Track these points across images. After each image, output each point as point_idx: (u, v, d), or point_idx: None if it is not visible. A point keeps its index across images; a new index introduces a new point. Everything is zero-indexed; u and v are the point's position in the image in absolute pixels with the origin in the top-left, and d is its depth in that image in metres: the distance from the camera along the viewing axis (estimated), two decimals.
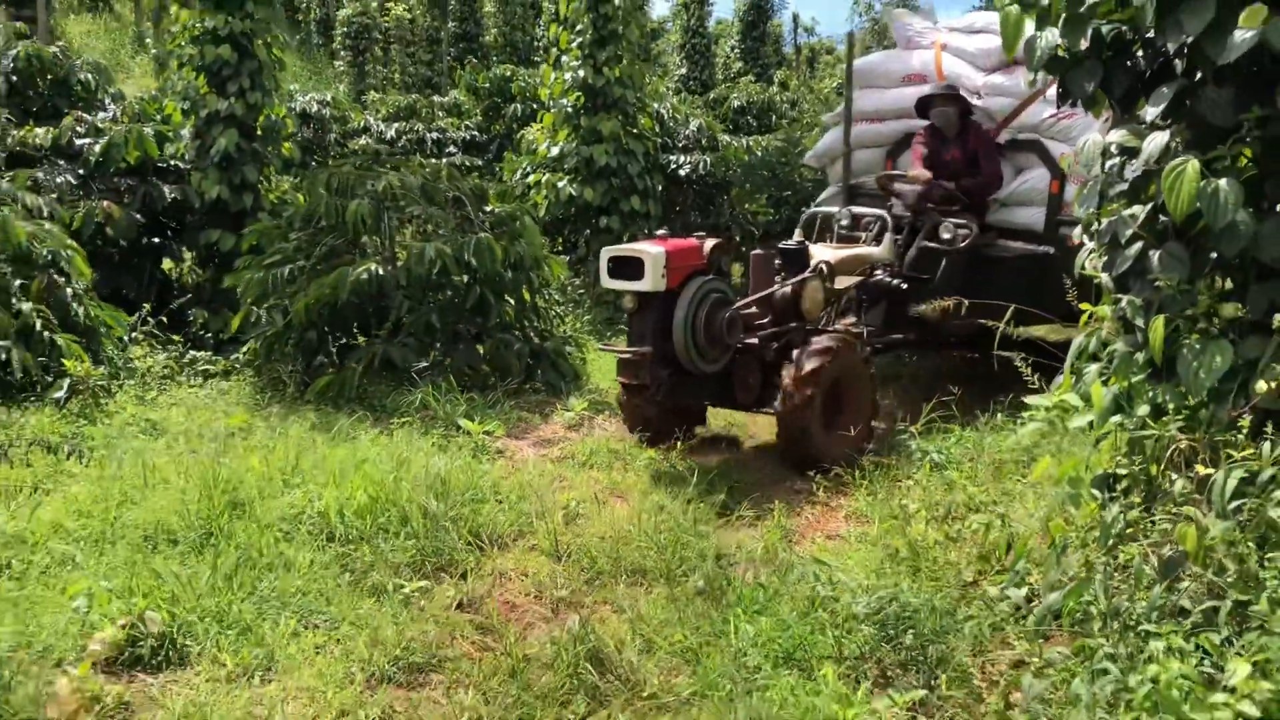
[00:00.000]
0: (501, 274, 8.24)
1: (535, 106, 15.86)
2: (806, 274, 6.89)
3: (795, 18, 37.10)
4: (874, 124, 8.86)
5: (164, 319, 9.37)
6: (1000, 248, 7.95)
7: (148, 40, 28.21)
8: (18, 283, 7.85)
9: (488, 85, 17.62)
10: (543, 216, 11.84)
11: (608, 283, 6.43)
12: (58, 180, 9.73)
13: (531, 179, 12.52)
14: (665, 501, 5.40)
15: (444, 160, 15.85)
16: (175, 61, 10.82)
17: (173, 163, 10.69)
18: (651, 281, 6.13)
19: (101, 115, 10.98)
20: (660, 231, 6.83)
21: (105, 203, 9.63)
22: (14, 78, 10.90)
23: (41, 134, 10.18)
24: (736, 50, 33.86)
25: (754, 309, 6.77)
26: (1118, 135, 3.93)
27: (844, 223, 8.21)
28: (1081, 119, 7.17)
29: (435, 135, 17.44)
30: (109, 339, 8.36)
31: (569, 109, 12.01)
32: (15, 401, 7.09)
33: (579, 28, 11.85)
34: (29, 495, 5.30)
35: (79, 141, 10.25)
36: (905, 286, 7.47)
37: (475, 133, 17.65)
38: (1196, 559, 3.27)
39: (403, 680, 3.68)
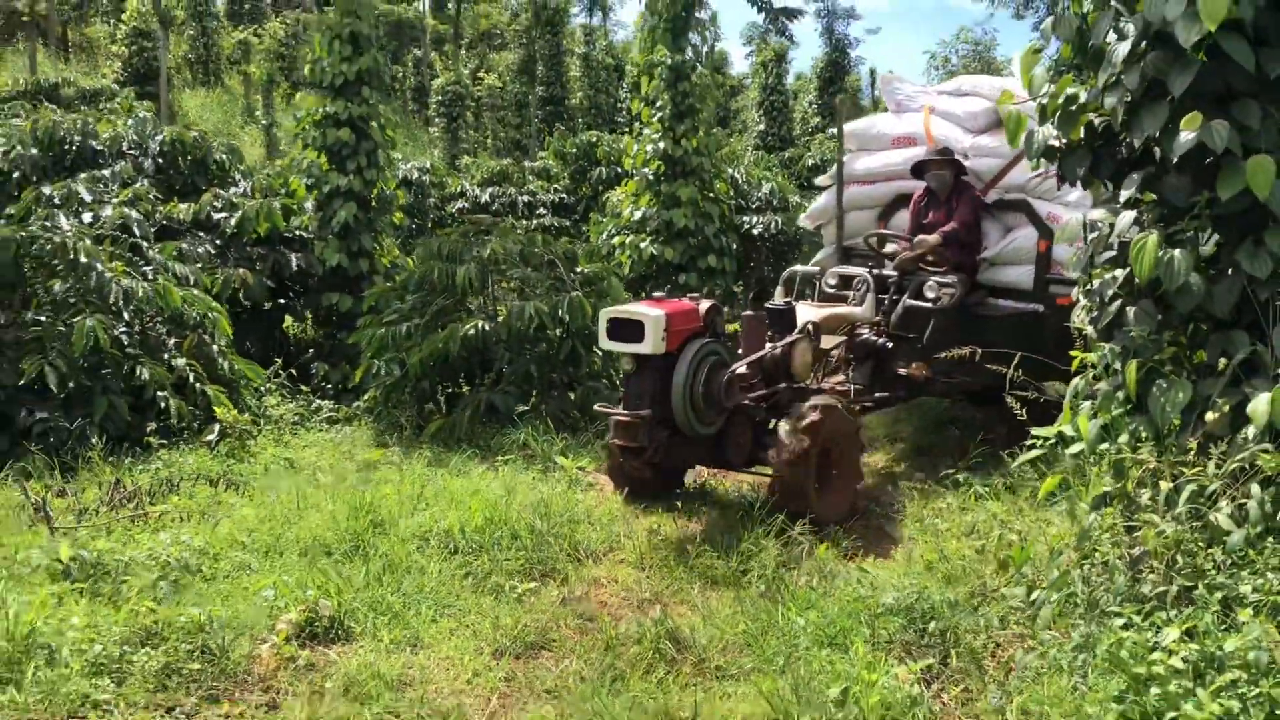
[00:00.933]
0: (591, 328, 9.17)
1: (619, 171, 16.95)
2: (796, 335, 6.90)
3: (872, 72, 37.81)
4: (865, 186, 8.85)
5: (293, 372, 10.53)
6: (990, 306, 7.94)
7: (257, 113, 30.19)
8: (172, 341, 9.05)
9: (574, 150, 18.78)
10: (627, 274, 12.77)
11: (606, 344, 6.43)
12: (199, 250, 10.72)
13: (616, 240, 13.49)
14: (734, 522, 6.26)
15: (535, 221, 17.05)
16: (300, 143, 12.07)
17: (297, 233, 11.81)
18: (651, 344, 6.17)
19: (234, 191, 12.11)
20: (658, 294, 6.96)
21: (240, 270, 10.72)
22: (160, 159, 12.26)
23: (184, 209, 11.24)
24: (814, 105, 34.78)
25: (745, 369, 6.73)
26: (1098, 214, 4.77)
27: (831, 282, 8.29)
28: None
29: (526, 198, 18.62)
30: (248, 390, 9.46)
31: (650, 176, 13.00)
32: (173, 444, 8.22)
33: (659, 104, 12.90)
34: (200, 520, 6.36)
35: (216, 215, 11.27)
36: (891, 345, 7.53)
37: (564, 195, 18.80)
38: (1155, 555, 4.06)
39: (519, 653, 4.61)
